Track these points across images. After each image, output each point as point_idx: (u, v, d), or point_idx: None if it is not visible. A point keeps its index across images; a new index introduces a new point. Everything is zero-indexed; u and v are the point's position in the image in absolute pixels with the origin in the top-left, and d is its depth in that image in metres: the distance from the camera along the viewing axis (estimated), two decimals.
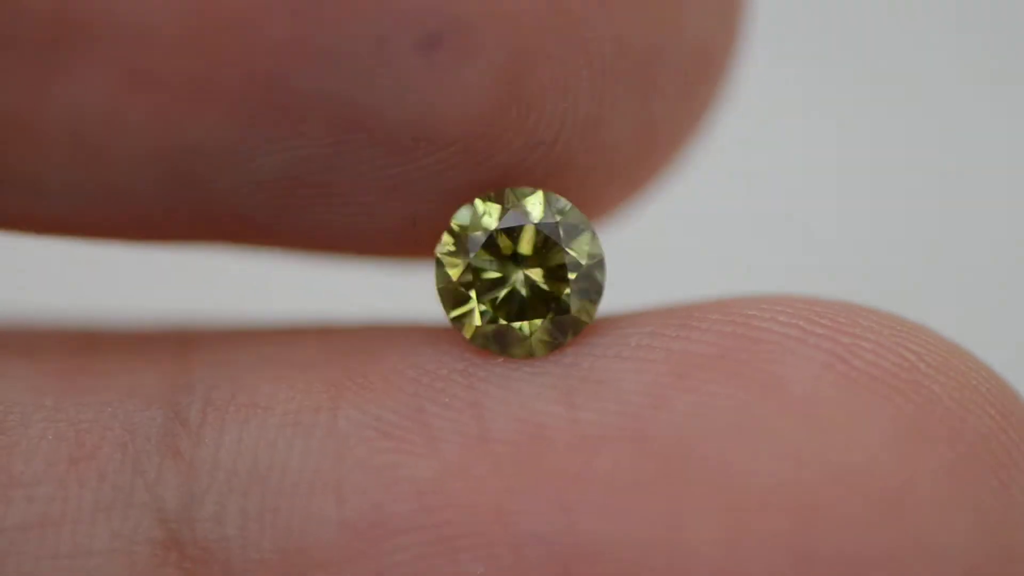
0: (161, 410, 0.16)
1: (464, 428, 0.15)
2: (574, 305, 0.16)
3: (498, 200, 0.16)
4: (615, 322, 0.16)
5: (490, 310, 0.16)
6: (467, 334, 0.16)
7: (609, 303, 0.17)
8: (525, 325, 0.16)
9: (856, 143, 0.43)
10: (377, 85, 0.15)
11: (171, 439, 0.16)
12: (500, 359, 0.16)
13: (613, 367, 0.16)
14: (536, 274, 0.16)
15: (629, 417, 0.15)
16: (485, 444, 0.15)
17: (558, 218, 0.16)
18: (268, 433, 0.16)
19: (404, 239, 0.17)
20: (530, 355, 0.16)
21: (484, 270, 0.16)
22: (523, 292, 0.16)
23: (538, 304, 0.16)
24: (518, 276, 0.16)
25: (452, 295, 0.16)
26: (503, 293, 0.16)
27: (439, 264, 0.16)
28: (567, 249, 0.16)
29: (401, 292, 0.23)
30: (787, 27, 0.40)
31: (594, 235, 0.16)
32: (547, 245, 0.16)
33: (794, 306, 0.16)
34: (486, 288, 0.16)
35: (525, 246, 0.16)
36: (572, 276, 0.16)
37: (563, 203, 0.16)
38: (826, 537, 0.14)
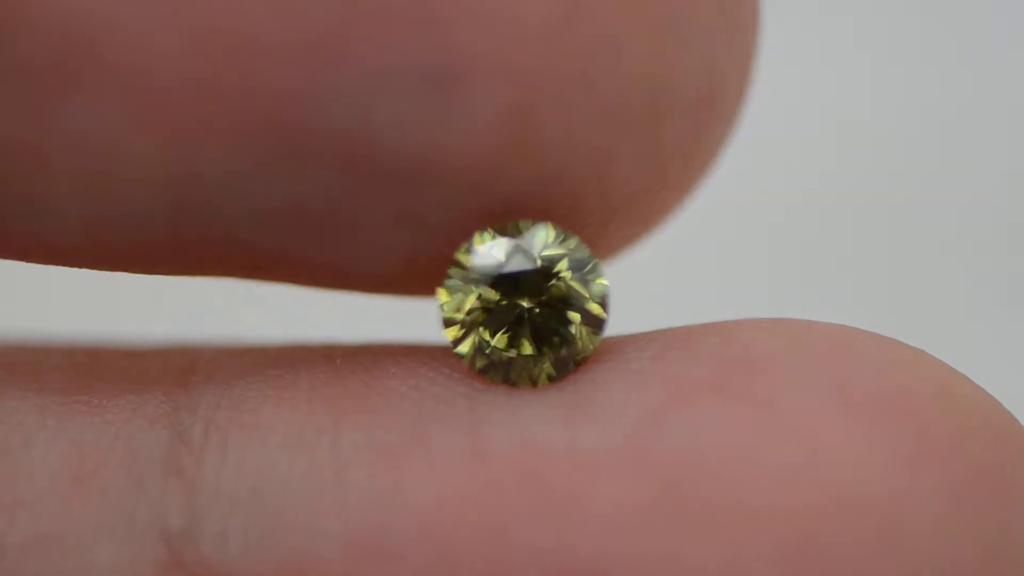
0: (164, 430, 0.16)
1: (464, 450, 0.15)
2: (578, 338, 0.16)
3: (503, 233, 0.16)
4: (616, 345, 0.16)
5: (494, 341, 0.16)
6: (471, 365, 0.16)
7: (610, 326, 0.17)
8: (529, 357, 0.16)
9: (857, 169, 0.43)
10: (382, 122, 0.15)
11: (174, 459, 0.16)
12: (502, 388, 0.16)
13: (614, 390, 0.16)
14: (540, 307, 0.16)
15: (629, 440, 0.15)
16: (486, 466, 0.15)
17: (563, 251, 0.16)
18: (270, 454, 0.16)
19: (407, 273, 0.17)
20: (532, 386, 0.16)
21: (488, 302, 0.16)
22: (527, 324, 0.16)
23: (542, 336, 0.16)
24: (522, 309, 0.16)
25: (456, 327, 0.16)
26: (507, 325, 0.16)
27: (443, 296, 0.16)
28: (571, 282, 0.16)
29: (406, 314, 0.23)
30: (795, 58, 0.40)
31: (599, 267, 0.16)
32: (551, 278, 0.16)
33: (793, 330, 0.16)
34: (490, 320, 0.16)
35: (530, 279, 0.16)
36: (576, 308, 0.16)
37: (568, 236, 0.16)
38: (824, 563, 0.14)
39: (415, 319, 0.21)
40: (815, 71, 0.44)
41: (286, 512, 0.15)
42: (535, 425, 0.15)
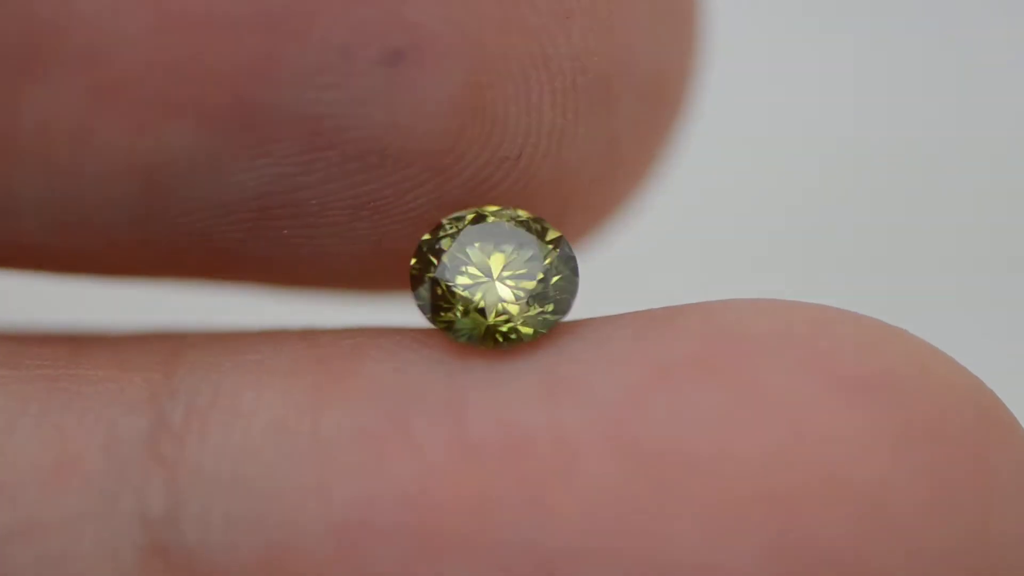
0: (145, 416, 0.16)
1: (446, 431, 0.15)
2: (551, 300, 0.16)
3: (465, 214, 0.16)
4: (597, 325, 0.16)
5: (470, 309, 0.16)
6: (449, 334, 0.16)
7: (590, 310, 0.17)
8: (503, 321, 0.16)
9: (830, 150, 0.43)
10: (343, 101, 0.15)
11: (155, 444, 0.16)
12: (482, 357, 0.16)
13: (595, 370, 0.16)
14: (511, 280, 0.16)
15: (610, 419, 0.15)
16: (467, 447, 0.15)
17: (524, 227, 0.16)
18: (251, 438, 0.16)
19: (372, 265, 0.17)
20: (511, 349, 0.16)
21: (459, 283, 0.16)
22: (500, 290, 0.16)
23: (515, 300, 0.16)
24: (492, 283, 0.16)
25: (431, 309, 0.16)
26: (480, 293, 0.16)
27: (414, 283, 0.16)
28: (538, 252, 0.16)
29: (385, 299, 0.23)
30: (751, 37, 0.40)
31: (563, 238, 0.17)
32: (518, 251, 0.16)
33: (774, 310, 0.16)
34: (463, 298, 0.16)
35: (496, 255, 0.16)
36: (546, 276, 0.16)
37: (528, 215, 0.16)
38: (807, 540, 0.15)
39: (395, 299, 0.21)
40: (790, 54, 0.44)
41: (268, 496, 0.15)
42: (515, 404, 0.15)
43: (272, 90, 0.15)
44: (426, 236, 0.16)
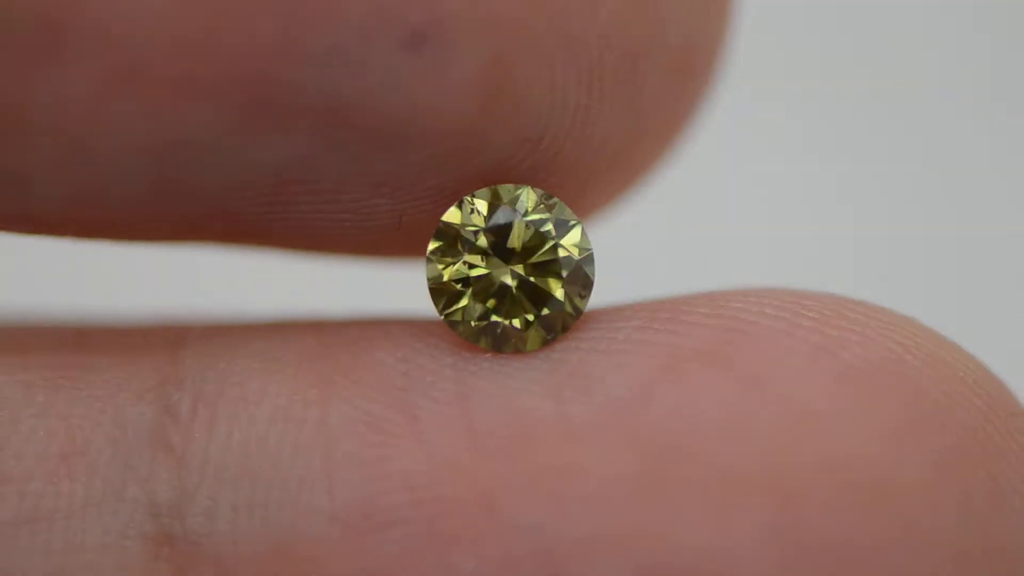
0: (152, 405, 0.16)
1: (453, 422, 0.15)
2: (564, 300, 0.16)
3: (486, 198, 0.16)
4: (604, 316, 0.16)
5: (481, 306, 0.16)
6: (458, 330, 0.16)
7: (598, 298, 0.17)
8: (516, 320, 0.16)
9: (846, 137, 0.43)
10: (364, 82, 0.15)
11: (162, 434, 0.16)
12: (490, 354, 0.16)
13: (602, 361, 0.16)
14: (526, 270, 0.16)
15: (617, 411, 0.15)
16: (474, 438, 0.15)
17: (546, 214, 0.16)
18: (258, 427, 0.16)
19: (391, 238, 0.17)
20: (520, 350, 0.16)
21: (475, 267, 0.16)
22: (514, 288, 0.16)
23: (528, 299, 0.16)
24: (508, 272, 0.16)
25: (443, 292, 0.16)
26: (494, 289, 0.16)
27: (430, 262, 0.16)
28: (556, 244, 0.16)
29: (393, 287, 0.23)
30: (776, 24, 0.40)
31: (582, 230, 0.16)
32: (536, 241, 0.16)
33: (781, 299, 0.16)
34: (477, 285, 0.16)
35: (515, 242, 0.16)
36: (562, 271, 0.16)
37: (551, 199, 0.16)
38: (814, 529, 0.14)
39: (404, 289, 0.21)
40: (818, 32, 0.44)
41: (275, 486, 0.15)
42: (523, 396, 0.15)
43: (291, 73, 0.15)
44: (445, 218, 0.16)
